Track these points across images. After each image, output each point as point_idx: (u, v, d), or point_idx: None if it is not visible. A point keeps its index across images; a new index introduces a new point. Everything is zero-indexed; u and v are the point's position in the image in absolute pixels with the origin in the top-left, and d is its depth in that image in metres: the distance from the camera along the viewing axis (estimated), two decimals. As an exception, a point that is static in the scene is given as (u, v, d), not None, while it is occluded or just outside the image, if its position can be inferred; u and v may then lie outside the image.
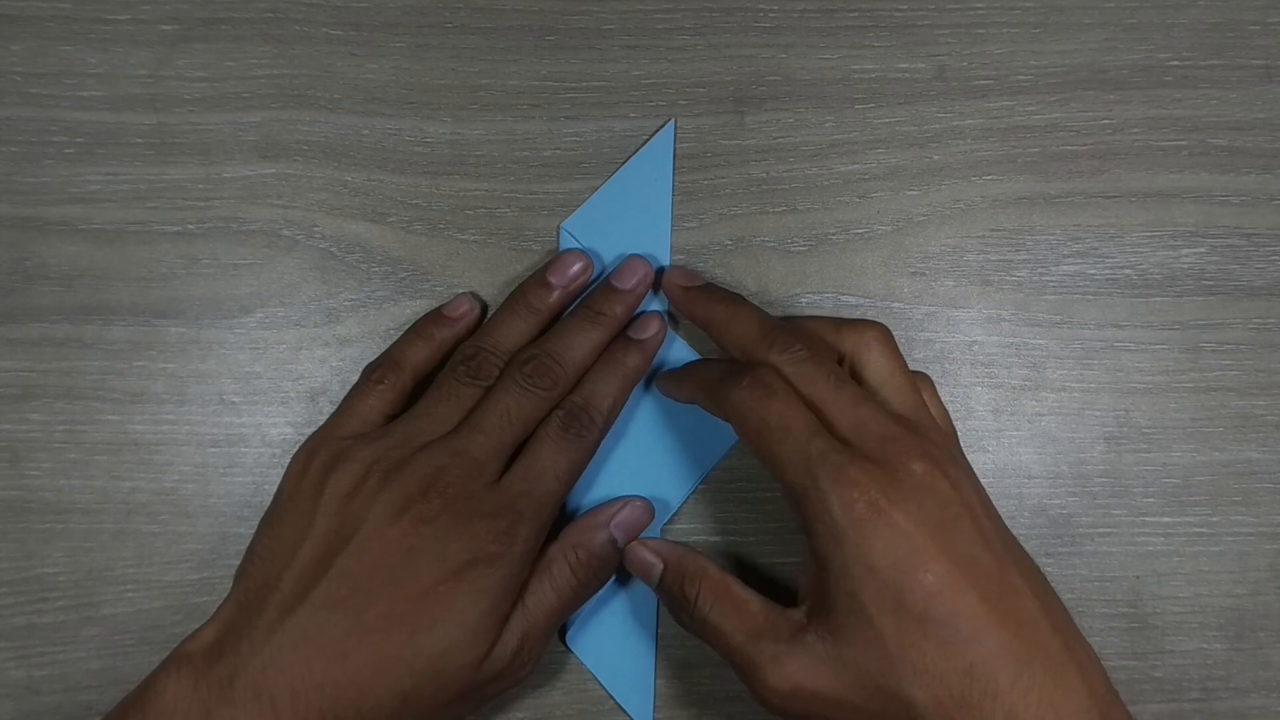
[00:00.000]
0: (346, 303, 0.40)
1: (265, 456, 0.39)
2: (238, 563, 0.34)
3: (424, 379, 0.38)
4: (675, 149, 0.40)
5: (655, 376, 0.39)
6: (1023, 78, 0.41)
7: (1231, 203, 0.41)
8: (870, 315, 0.40)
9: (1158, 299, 0.40)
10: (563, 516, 0.39)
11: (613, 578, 0.38)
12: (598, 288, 0.38)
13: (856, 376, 0.35)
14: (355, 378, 0.38)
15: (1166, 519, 0.40)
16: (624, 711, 0.39)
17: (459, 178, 0.40)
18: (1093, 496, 0.40)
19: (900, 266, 0.40)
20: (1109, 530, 0.40)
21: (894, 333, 0.36)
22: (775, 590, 0.39)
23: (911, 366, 0.40)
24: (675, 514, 0.40)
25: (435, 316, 0.39)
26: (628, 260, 0.38)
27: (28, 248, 0.39)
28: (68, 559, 0.39)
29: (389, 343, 0.39)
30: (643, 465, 0.39)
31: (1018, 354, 0.40)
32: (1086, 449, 0.40)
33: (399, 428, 0.35)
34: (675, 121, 0.40)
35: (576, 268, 0.38)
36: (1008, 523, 0.33)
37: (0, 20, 0.40)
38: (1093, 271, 0.40)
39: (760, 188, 0.40)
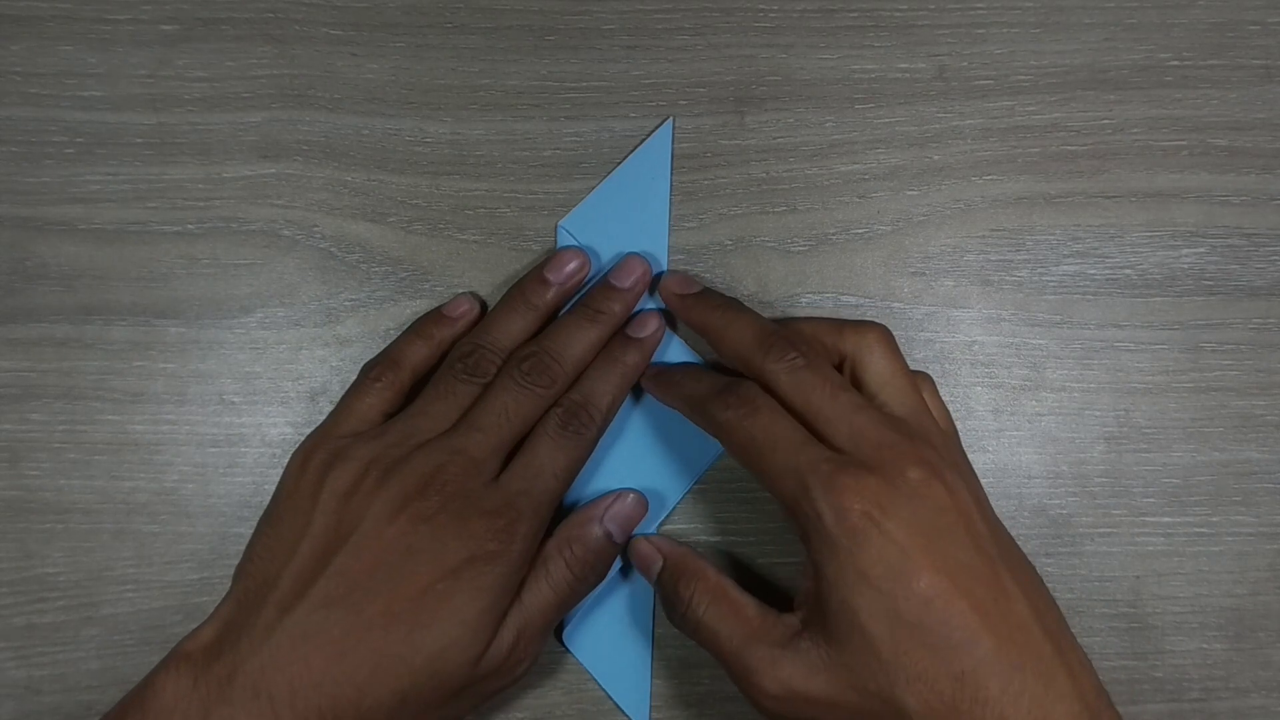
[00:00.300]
0: (346, 303, 0.40)
1: (265, 456, 0.39)
2: (237, 563, 0.34)
3: (423, 378, 0.38)
4: (675, 149, 0.40)
5: (644, 377, 0.39)
6: (1023, 78, 0.41)
7: (1231, 203, 0.41)
8: (870, 315, 0.40)
9: (1158, 299, 0.40)
10: (559, 511, 0.39)
11: (609, 576, 0.38)
12: (596, 286, 0.38)
13: (857, 378, 0.35)
14: (355, 377, 0.38)
15: (1166, 519, 0.40)
16: (621, 711, 0.39)
17: (459, 178, 0.40)
18: (1093, 496, 0.40)
19: (900, 266, 0.40)
20: (1109, 530, 0.40)
21: (894, 333, 0.36)
22: (773, 592, 0.39)
23: (911, 366, 0.40)
24: (674, 513, 0.40)
25: (435, 316, 0.39)
26: (626, 259, 0.38)
27: (28, 248, 0.39)
28: (68, 559, 0.39)
29: (389, 343, 0.39)
30: (639, 463, 0.39)
31: (1018, 354, 0.40)
32: (1086, 449, 0.40)
33: (397, 426, 0.35)
34: (673, 120, 0.40)
35: (573, 265, 0.38)
36: (1008, 523, 0.33)
37: (0, 20, 0.40)
38: (1093, 271, 0.40)
39: (760, 188, 0.40)
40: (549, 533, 0.36)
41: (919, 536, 0.30)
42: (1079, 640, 0.39)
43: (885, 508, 0.30)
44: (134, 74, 0.40)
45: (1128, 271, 0.41)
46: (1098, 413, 0.40)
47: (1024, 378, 0.40)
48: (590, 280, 0.39)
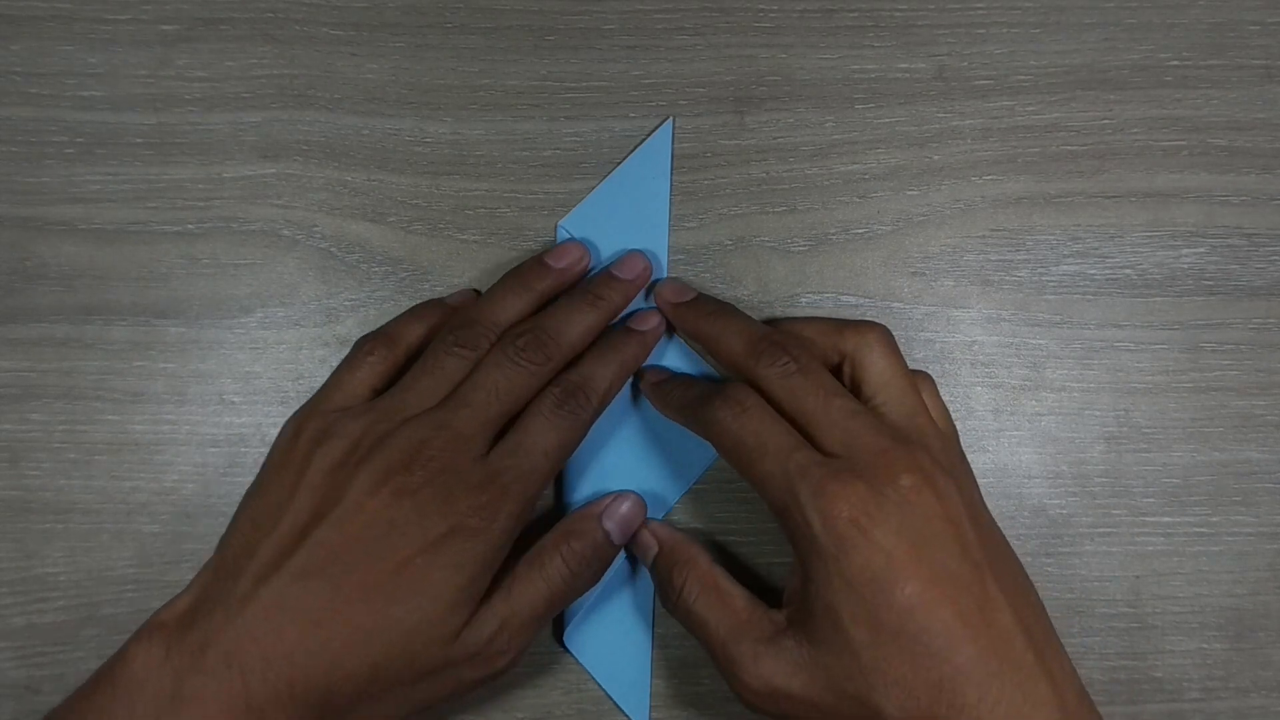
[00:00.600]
0: (346, 303, 0.40)
1: (265, 456, 0.39)
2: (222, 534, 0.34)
3: (415, 357, 0.37)
4: (675, 149, 0.40)
5: (642, 379, 0.39)
6: (1023, 78, 0.41)
7: (1231, 203, 0.41)
8: (870, 315, 0.40)
9: (1158, 299, 0.40)
10: (557, 512, 0.39)
11: (609, 577, 0.38)
12: (597, 274, 0.38)
13: (857, 378, 0.35)
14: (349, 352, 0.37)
15: (1166, 519, 0.40)
16: (621, 711, 0.39)
17: (459, 178, 0.40)
18: (1093, 496, 0.40)
19: (900, 266, 0.40)
20: (1109, 530, 0.40)
21: (894, 333, 0.36)
22: (769, 590, 0.39)
23: (911, 366, 0.40)
24: (673, 513, 0.40)
25: (433, 301, 0.39)
26: (628, 254, 0.39)
27: (28, 248, 0.39)
28: (68, 559, 0.39)
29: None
30: (638, 465, 0.39)
31: (1018, 354, 0.40)
32: (1086, 449, 0.40)
33: (385, 402, 0.35)
34: (673, 120, 0.40)
35: (576, 255, 0.38)
36: (1007, 523, 0.33)
37: (0, 20, 0.40)
38: (1093, 271, 0.40)
39: (760, 188, 0.40)
40: (541, 529, 0.36)
41: (906, 544, 0.30)
42: (1081, 640, 0.39)
43: (873, 515, 0.30)
44: (134, 74, 0.40)
45: (1128, 271, 0.41)
46: (1098, 413, 0.40)
47: (1024, 378, 0.40)
48: (589, 275, 0.39)
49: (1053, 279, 0.40)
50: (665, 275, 0.40)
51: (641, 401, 0.39)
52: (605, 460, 0.39)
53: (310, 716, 0.31)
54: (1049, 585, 0.40)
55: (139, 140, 0.40)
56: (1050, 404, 0.40)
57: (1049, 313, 0.40)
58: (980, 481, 0.34)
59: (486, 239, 0.40)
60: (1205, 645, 0.39)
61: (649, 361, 0.39)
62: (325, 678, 0.31)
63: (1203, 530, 0.40)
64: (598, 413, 0.36)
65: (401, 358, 0.37)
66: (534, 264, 0.38)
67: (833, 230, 0.40)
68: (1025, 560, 0.39)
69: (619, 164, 0.40)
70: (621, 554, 0.38)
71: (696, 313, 0.37)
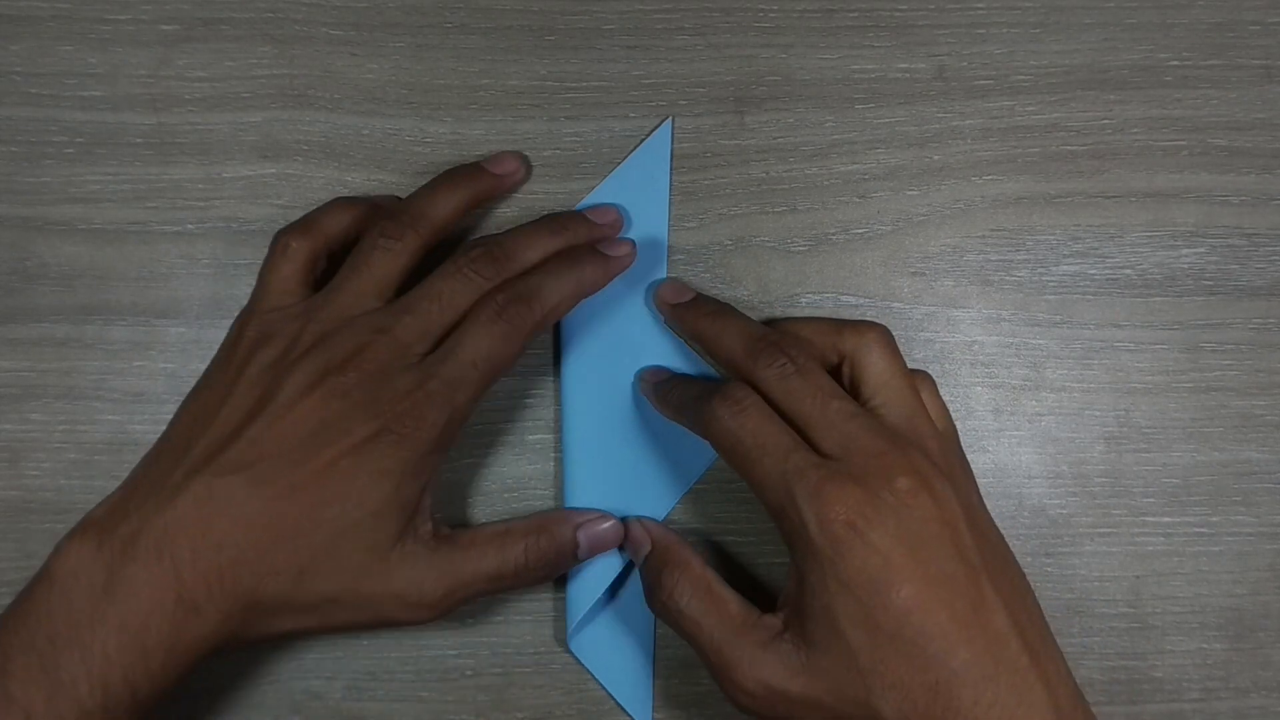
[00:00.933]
0: (346, 303, 0.40)
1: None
2: None
3: (337, 250, 0.37)
4: (675, 149, 0.40)
5: (641, 380, 0.39)
6: (1023, 78, 0.41)
7: (1231, 203, 0.41)
8: (870, 315, 0.40)
9: (1158, 299, 0.40)
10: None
11: (610, 580, 0.38)
12: (570, 211, 0.39)
13: (856, 378, 0.35)
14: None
15: (1166, 519, 0.40)
16: (624, 712, 0.39)
17: (459, 178, 0.40)
18: (1093, 496, 0.40)
19: (900, 266, 0.40)
20: (1109, 530, 0.40)
21: (894, 333, 0.36)
22: (768, 592, 0.39)
23: (911, 366, 0.40)
24: (672, 513, 0.40)
25: (355, 197, 0.39)
26: (603, 205, 0.39)
27: (28, 248, 0.39)
28: (68, 559, 0.39)
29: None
30: (639, 463, 0.39)
31: (1018, 354, 0.40)
32: (1086, 449, 0.40)
33: (320, 300, 0.35)
34: (673, 120, 0.40)
35: (511, 165, 0.39)
36: (1007, 523, 0.33)
37: (0, 20, 0.40)
38: (1093, 271, 0.40)
39: (760, 188, 0.40)
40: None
41: (902, 547, 0.30)
42: (1081, 640, 0.39)
43: (869, 518, 0.30)
44: (134, 74, 0.40)
45: (1128, 271, 0.41)
46: (1098, 413, 0.40)
47: (1024, 378, 0.40)
48: None
49: (1053, 279, 0.40)
50: (665, 275, 0.40)
51: (641, 402, 0.39)
52: (605, 461, 0.39)
53: (238, 612, 0.31)
54: (1049, 585, 0.40)
55: (139, 140, 0.40)
56: (1050, 404, 0.40)
57: (1049, 313, 0.40)
58: (980, 481, 0.34)
59: (486, 239, 0.40)
60: (1205, 645, 0.39)
61: (649, 363, 0.39)
62: (253, 572, 0.31)
63: (1203, 530, 0.40)
64: (539, 326, 0.35)
65: (321, 248, 0.37)
66: (469, 165, 0.38)
67: (833, 230, 0.40)
68: (1025, 560, 0.40)
69: (619, 164, 0.40)
70: (626, 559, 0.38)
71: (695, 313, 0.37)
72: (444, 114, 0.40)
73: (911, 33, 0.41)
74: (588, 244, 0.37)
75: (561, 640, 0.39)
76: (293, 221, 0.37)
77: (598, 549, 0.37)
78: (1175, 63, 0.41)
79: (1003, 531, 0.33)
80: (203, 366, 0.39)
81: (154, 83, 0.40)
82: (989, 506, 0.34)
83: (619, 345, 0.39)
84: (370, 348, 0.33)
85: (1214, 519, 0.40)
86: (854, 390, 0.35)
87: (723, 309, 0.37)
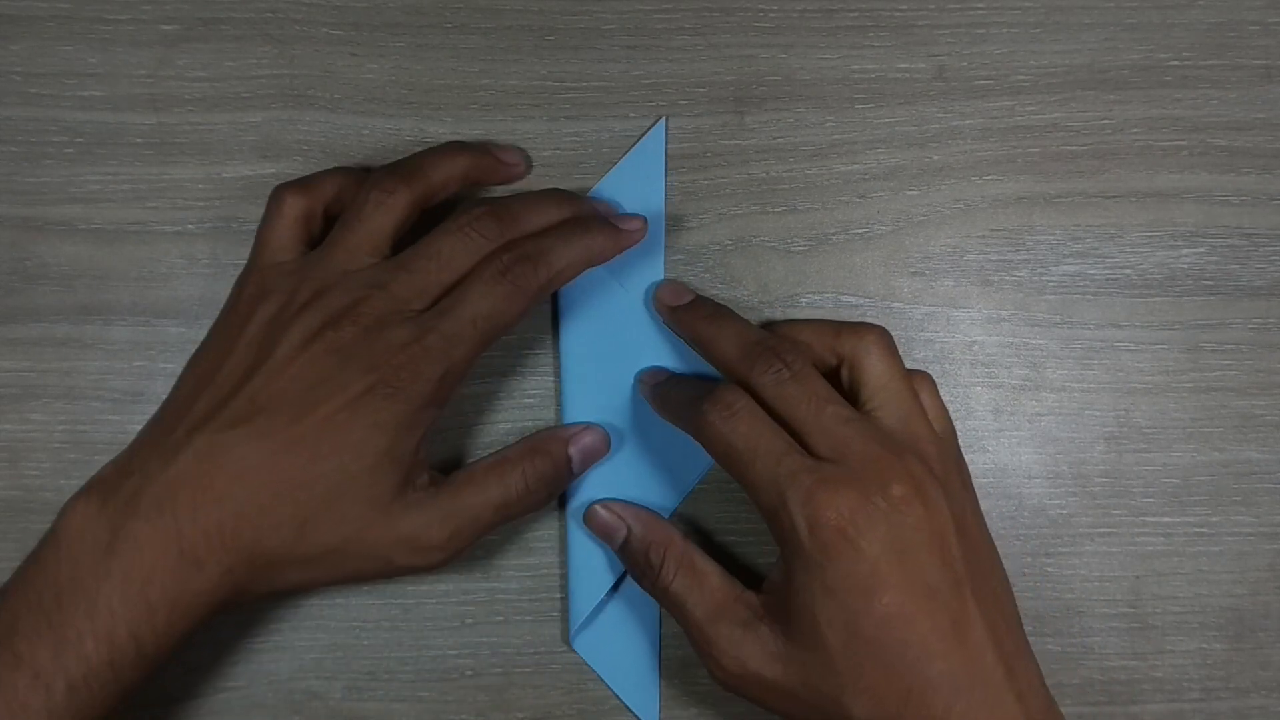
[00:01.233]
0: (346, 303, 0.40)
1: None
2: None
3: (334, 212, 0.37)
4: (675, 149, 0.40)
5: (640, 381, 0.39)
6: (1023, 78, 0.41)
7: (1231, 203, 0.41)
8: (870, 315, 0.40)
9: (1158, 299, 0.40)
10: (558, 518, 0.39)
11: (613, 579, 0.38)
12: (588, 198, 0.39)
13: (854, 381, 0.35)
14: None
15: (1166, 519, 0.40)
16: (629, 711, 0.39)
17: (459, 178, 0.40)
18: (1093, 496, 0.40)
19: (900, 266, 0.40)
20: (1109, 530, 0.40)
21: (894, 333, 0.36)
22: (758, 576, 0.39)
23: (911, 366, 0.40)
24: (674, 514, 0.40)
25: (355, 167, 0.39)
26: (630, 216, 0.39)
27: (28, 248, 0.39)
28: (68, 559, 0.39)
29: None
30: (639, 466, 0.39)
31: (1018, 354, 0.40)
32: (1086, 449, 0.40)
33: (319, 256, 0.35)
34: (666, 119, 0.40)
35: (517, 156, 0.39)
36: (1008, 523, 0.33)
37: (0, 20, 0.40)
38: (1093, 271, 0.40)
39: (760, 188, 0.40)
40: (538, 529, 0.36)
41: (890, 555, 0.31)
42: (1081, 640, 0.39)
43: (859, 524, 0.31)
44: (134, 74, 0.40)
45: (1128, 271, 0.41)
46: (1098, 413, 0.40)
47: (1024, 378, 0.40)
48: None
49: (1053, 279, 0.40)
50: (662, 276, 0.40)
51: (641, 403, 0.39)
52: (605, 462, 0.39)
53: (241, 566, 0.31)
54: (1049, 585, 0.40)
55: (139, 140, 0.40)
56: (1050, 404, 0.40)
57: (1049, 313, 0.40)
58: (980, 481, 0.34)
59: (486, 239, 0.40)
60: (1205, 645, 0.39)
61: (648, 364, 0.39)
62: (254, 526, 0.31)
63: (1203, 530, 0.40)
64: (544, 290, 0.34)
65: (317, 204, 0.36)
66: (477, 142, 0.39)
67: (833, 230, 0.40)
68: (1025, 560, 0.40)
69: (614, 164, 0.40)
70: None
71: (693, 315, 0.37)
72: (444, 114, 0.40)
73: (911, 33, 0.41)
74: (601, 217, 0.37)
75: (563, 639, 0.39)
76: (290, 180, 0.37)
77: (590, 460, 0.38)
78: (1175, 63, 0.41)
79: (1003, 531, 0.34)
80: (203, 366, 0.39)
81: (154, 83, 0.40)
82: (989, 507, 0.34)
83: (618, 346, 0.39)
84: (366, 302, 0.33)
85: (1214, 519, 0.40)
86: (852, 393, 0.35)
87: (720, 312, 0.37)
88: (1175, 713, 0.39)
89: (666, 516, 0.39)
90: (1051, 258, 0.41)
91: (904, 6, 0.41)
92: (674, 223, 0.40)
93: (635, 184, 0.40)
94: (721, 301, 0.39)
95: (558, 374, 0.39)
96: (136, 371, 0.39)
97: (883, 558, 0.30)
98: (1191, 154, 0.41)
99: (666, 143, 0.40)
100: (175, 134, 0.40)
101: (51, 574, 0.31)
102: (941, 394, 0.37)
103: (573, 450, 0.37)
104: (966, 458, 0.36)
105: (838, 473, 0.31)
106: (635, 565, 0.36)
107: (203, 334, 0.39)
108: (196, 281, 0.40)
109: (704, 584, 0.34)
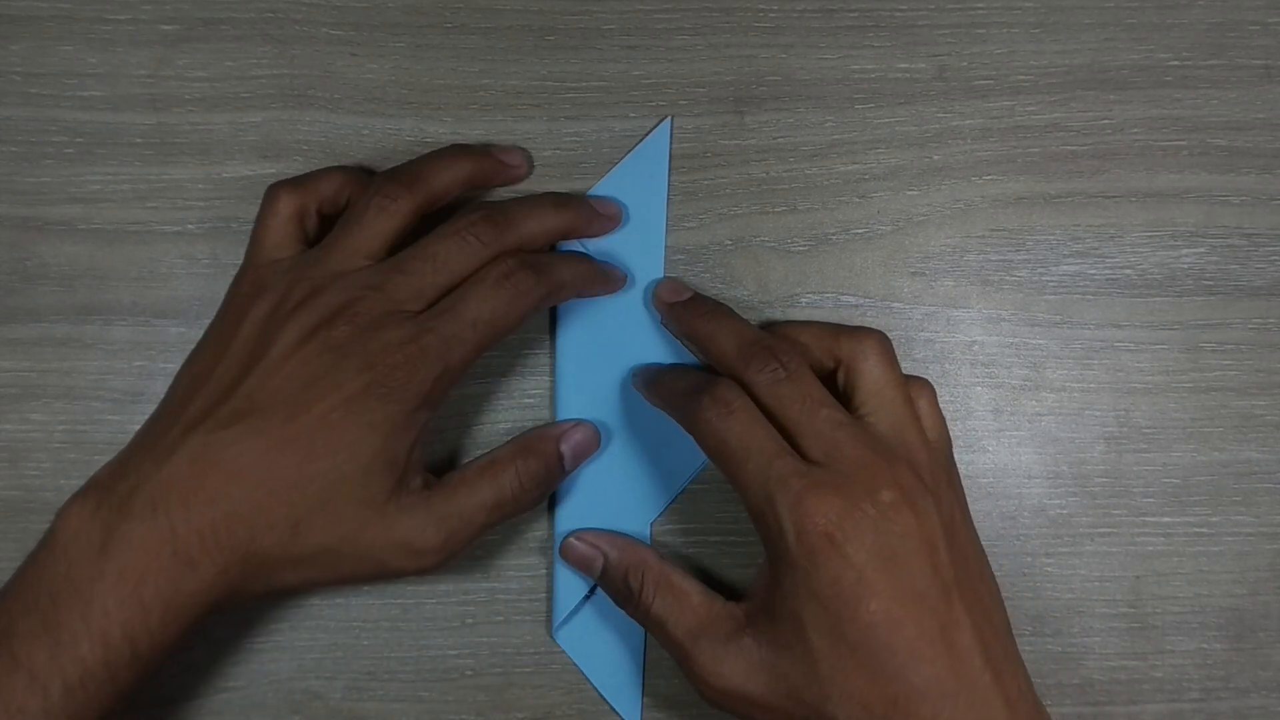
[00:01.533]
0: (346, 303, 0.40)
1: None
2: None
3: (331, 211, 0.37)
4: (675, 149, 0.40)
5: (634, 375, 0.39)
6: (1023, 78, 0.41)
7: (1231, 203, 0.41)
8: (870, 315, 0.40)
9: (1158, 299, 0.40)
10: (548, 505, 0.39)
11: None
12: (572, 193, 0.40)
13: (850, 385, 0.35)
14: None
15: (1166, 519, 0.40)
16: (614, 710, 0.39)
17: (459, 178, 0.40)
18: (1093, 496, 0.40)
19: (900, 266, 0.40)
20: (1109, 530, 0.40)
21: (894, 333, 0.36)
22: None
23: (911, 367, 0.40)
24: (671, 513, 0.40)
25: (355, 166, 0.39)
26: (607, 199, 0.39)
27: (28, 248, 0.39)
28: (68, 559, 0.39)
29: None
30: (631, 464, 0.39)
31: (1018, 354, 0.40)
32: (1086, 449, 0.40)
33: (314, 255, 0.35)
34: (671, 119, 0.40)
35: (519, 157, 0.39)
36: (1008, 523, 0.33)
37: (0, 20, 0.40)
38: (1093, 271, 0.40)
39: (760, 188, 0.40)
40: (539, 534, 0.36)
41: (877, 562, 0.30)
42: (1081, 640, 0.39)
43: (847, 530, 0.30)
44: (134, 74, 0.40)
45: (1128, 271, 0.41)
46: (1098, 413, 0.40)
47: (1024, 378, 0.40)
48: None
49: (1053, 279, 0.40)
50: (662, 275, 0.40)
51: (635, 403, 0.39)
52: (599, 459, 0.39)
53: (235, 566, 0.31)
54: (1049, 585, 0.40)
55: (139, 140, 0.40)
56: (1050, 404, 0.40)
57: (1049, 313, 0.40)
58: (980, 481, 0.34)
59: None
60: (1205, 645, 0.39)
61: (644, 362, 0.39)
62: (248, 526, 0.31)
63: (1203, 530, 0.40)
64: (543, 301, 0.35)
65: (311, 203, 0.36)
66: (476, 145, 0.39)
67: (833, 230, 0.40)
68: (1025, 560, 0.40)
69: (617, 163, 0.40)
70: None
71: (691, 312, 0.37)
72: (444, 114, 0.40)
73: (911, 33, 0.41)
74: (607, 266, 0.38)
75: (554, 638, 0.39)
76: (285, 179, 0.38)
77: (582, 457, 0.38)
78: (1175, 63, 0.41)
79: (1003, 531, 0.34)
80: (203, 366, 0.39)
81: (154, 83, 0.40)
82: (989, 507, 0.34)
83: (615, 344, 0.39)
84: (362, 302, 0.33)
85: (1214, 519, 0.40)
86: (848, 397, 0.34)
87: (718, 309, 0.37)
88: (1175, 713, 0.39)
89: (656, 514, 0.39)
90: (1051, 258, 0.41)
91: (904, 6, 0.41)
92: (674, 223, 0.40)
93: (638, 182, 0.40)
94: (721, 301, 0.39)
95: (554, 371, 0.39)
96: (136, 371, 0.39)
97: (869, 564, 0.30)
98: (1191, 154, 0.41)
99: (674, 144, 0.40)
100: (175, 134, 0.40)
101: (47, 576, 0.31)
102: (941, 394, 0.37)
103: (564, 447, 0.37)
104: (966, 458, 0.36)
105: (827, 477, 0.31)
106: (615, 591, 0.36)
107: (202, 334, 0.39)
108: (196, 281, 0.40)
109: (684, 603, 0.34)
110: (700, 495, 0.40)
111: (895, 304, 0.40)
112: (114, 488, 0.31)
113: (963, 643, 0.31)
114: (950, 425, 0.36)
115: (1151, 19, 0.41)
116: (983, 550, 0.34)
